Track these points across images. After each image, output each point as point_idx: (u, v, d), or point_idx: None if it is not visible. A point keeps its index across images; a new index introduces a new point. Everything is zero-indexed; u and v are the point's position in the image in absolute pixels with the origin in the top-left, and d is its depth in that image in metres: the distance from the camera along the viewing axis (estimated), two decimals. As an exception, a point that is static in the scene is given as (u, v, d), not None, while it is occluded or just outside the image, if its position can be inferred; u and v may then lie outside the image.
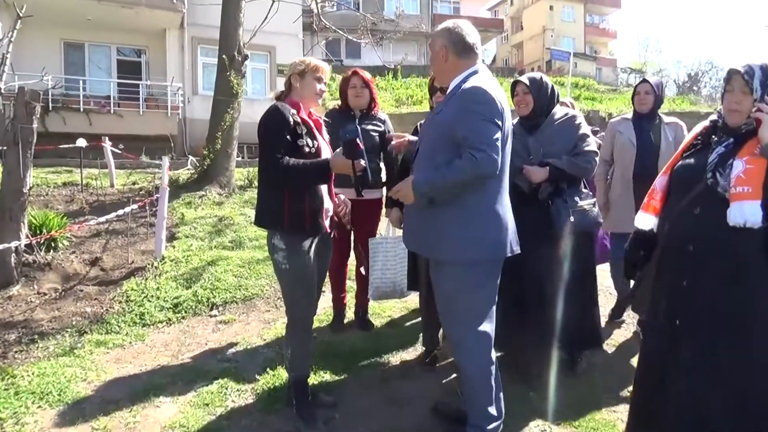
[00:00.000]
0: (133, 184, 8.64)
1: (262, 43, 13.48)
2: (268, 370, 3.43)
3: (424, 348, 3.64)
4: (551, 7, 42.33)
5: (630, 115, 4.15)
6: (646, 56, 47.17)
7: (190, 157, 13.35)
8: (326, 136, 2.98)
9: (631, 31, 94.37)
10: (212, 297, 4.81)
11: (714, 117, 2.35)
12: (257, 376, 3.36)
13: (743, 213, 2.00)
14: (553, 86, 3.31)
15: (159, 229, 5.57)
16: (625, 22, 73.16)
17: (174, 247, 5.92)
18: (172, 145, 13.88)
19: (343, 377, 3.40)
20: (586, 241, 3.38)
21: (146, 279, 5.06)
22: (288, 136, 2.68)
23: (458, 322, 2.51)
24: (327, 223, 2.86)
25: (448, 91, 2.58)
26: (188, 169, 11.71)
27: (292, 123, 2.69)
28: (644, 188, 3.85)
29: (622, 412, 2.95)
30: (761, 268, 2.04)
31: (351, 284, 4.48)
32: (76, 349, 3.79)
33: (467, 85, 2.44)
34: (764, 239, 2.02)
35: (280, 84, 11.58)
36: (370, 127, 3.86)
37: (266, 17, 8.73)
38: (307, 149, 2.74)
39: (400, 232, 3.90)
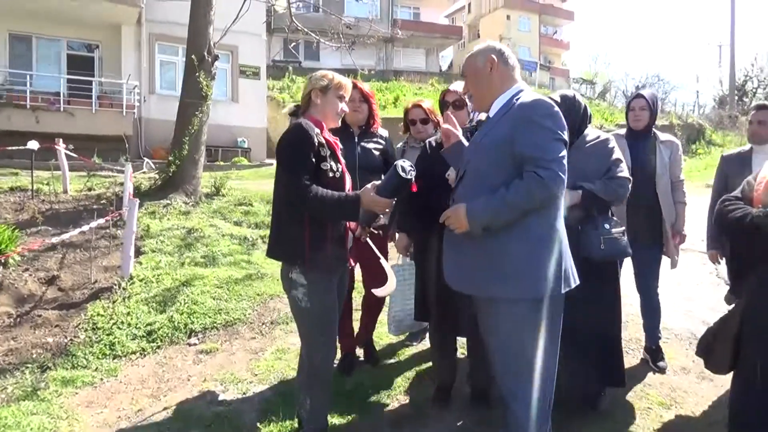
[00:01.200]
0: (89, 189, 7.99)
1: (223, 42, 12.92)
2: (268, 415, 3.05)
3: (436, 384, 3.34)
4: (508, 17, 42.91)
5: (623, 132, 3.90)
6: (596, 68, 48.49)
7: (146, 160, 12.65)
8: (343, 160, 2.66)
9: (583, 43, 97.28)
10: (190, 323, 4.37)
11: None
12: (258, 424, 2.97)
13: None
14: (586, 106, 3.08)
15: (127, 245, 5.06)
16: (578, 34, 75.19)
17: (141, 263, 5.41)
18: (127, 146, 13.12)
19: (351, 418, 3.06)
20: (614, 271, 3.17)
21: (114, 302, 4.57)
22: (313, 159, 2.35)
23: (519, 371, 2.21)
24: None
25: (494, 110, 2.32)
26: (143, 172, 11.06)
27: (316, 144, 2.37)
28: (637, 215, 3.59)
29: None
30: None
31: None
32: (39, 390, 3.31)
33: (525, 99, 2.21)
34: None
35: (244, 85, 11.16)
36: (371, 145, 3.52)
37: (238, 15, 8.26)
38: (331, 174, 2.42)
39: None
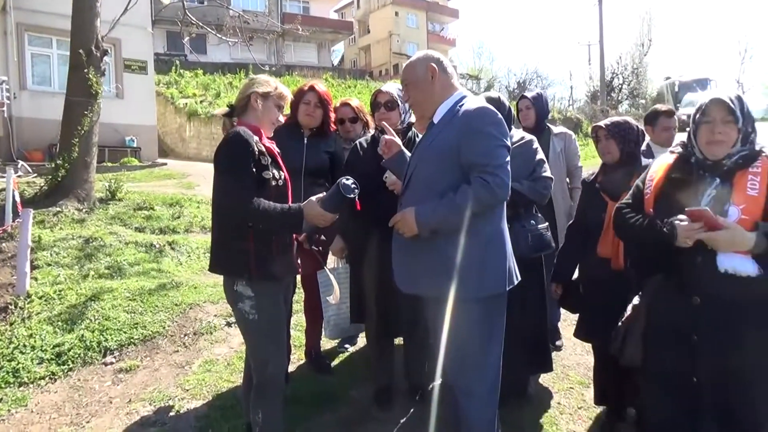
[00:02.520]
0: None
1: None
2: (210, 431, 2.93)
3: (376, 386, 3.37)
4: (396, 13, 43.70)
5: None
6: (480, 63, 50.72)
7: (21, 162, 11.49)
8: (283, 164, 2.60)
9: (468, 40, 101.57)
10: (103, 340, 4.06)
11: (678, 149, 2.26)
12: (201, 442, 2.85)
13: (733, 263, 1.95)
14: (510, 107, 3.24)
15: (21, 260, 4.59)
16: (462, 31, 78.20)
17: (37, 279, 4.94)
18: (-3, 146, 11.86)
19: (293, 428, 3.00)
20: (539, 264, 3.37)
21: (11, 323, 4.14)
22: (253, 168, 2.28)
23: (472, 368, 2.29)
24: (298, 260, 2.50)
25: (438, 116, 2.38)
26: (19, 176, 10.04)
27: (257, 152, 2.30)
28: None
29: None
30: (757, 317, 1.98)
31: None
32: (-64, 431, 2.94)
33: (469, 106, 2.28)
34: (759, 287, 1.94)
35: (130, 80, 10.41)
36: (321, 147, 3.46)
37: (127, 6, 7.75)
38: (274, 182, 2.37)
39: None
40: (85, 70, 7.10)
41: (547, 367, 3.44)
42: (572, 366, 3.88)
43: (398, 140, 2.60)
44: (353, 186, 2.29)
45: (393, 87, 3.14)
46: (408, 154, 2.53)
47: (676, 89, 25.16)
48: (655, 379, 2.24)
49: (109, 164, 13.05)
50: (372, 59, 45.12)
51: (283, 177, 2.43)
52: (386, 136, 2.59)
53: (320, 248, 2.71)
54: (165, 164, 13.93)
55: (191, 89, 21.32)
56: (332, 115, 3.56)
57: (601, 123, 3.01)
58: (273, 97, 2.45)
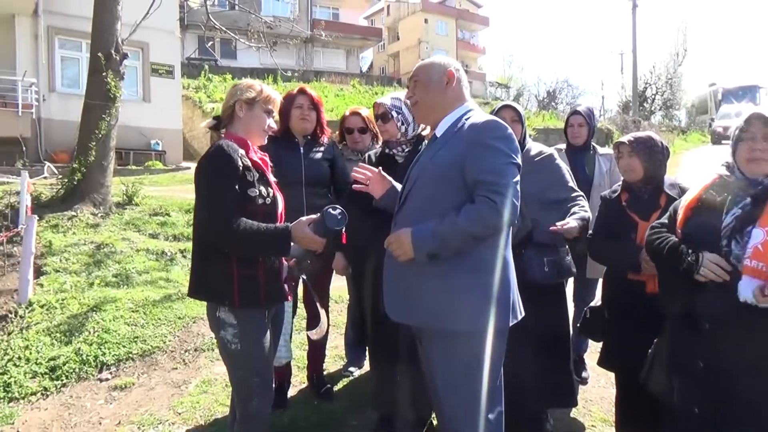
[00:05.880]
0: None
1: (133, 39, 12.10)
2: (196, 463, 2.73)
3: (377, 415, 3.14)
4: (426, 21, 43.57)
5: (563, 146, 3.98)
6: (510, 72, 50.16)
7: (47, 164, 11.61)
8: (272, 178, 2.38)
9: (498, 48, 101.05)
10: (101, 354, 3.91)
11: (723, 170, 2.06)
12: (185, 476, 2.65)
13: (753, 291, 1.75)
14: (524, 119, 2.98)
15: (24, 266, 4.49)
16: (493, 39, 77.62)
17: (42, 286, 4.84)
18: (24, 149, 11.99)
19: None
20: (559, 291, 3.10)
21: (9, 333, 4.02)
22: (237, 186, 2.08)
23: (469, 407, 2.03)
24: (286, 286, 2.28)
25: (442, 129, 2.16)
26: (44, 178, 10.11)
27: (241, 168, 2.09)
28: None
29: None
30: None
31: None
32: None
33: (475, 119, 2.06)
34: None
35: (156, 84, 10.42)
36: (318, 156, 3.25)
37: (149, 10, 7.69)
38: (261, 200, 2.15)
39: None
40: (104, 74, 7.05)
41: (571, 401, 3.17)
42: (595, 400, 3.58)
43: (383, 175, 2.35)
44: (339, 217, 2.06)
45: (388, 98, 2.91)
46: (398, 186, 2.29)
47: (720, 97, 23.83)
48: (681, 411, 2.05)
49: (133, 167, 13.13)
50: (401, 66, 45.03)
51: (271, 194, 2.21)
52: (368, 174, 2.35)
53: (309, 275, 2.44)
54: (189, 168, 13.93)
55: (219, 94, 21.44)
56: (324, 120, 3.34)
57: (624, 139, 2.74)
58: (259, 102, 2.23)
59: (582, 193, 3.01)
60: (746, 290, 1.74)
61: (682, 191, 2.47)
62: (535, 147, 3.06)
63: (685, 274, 1.91)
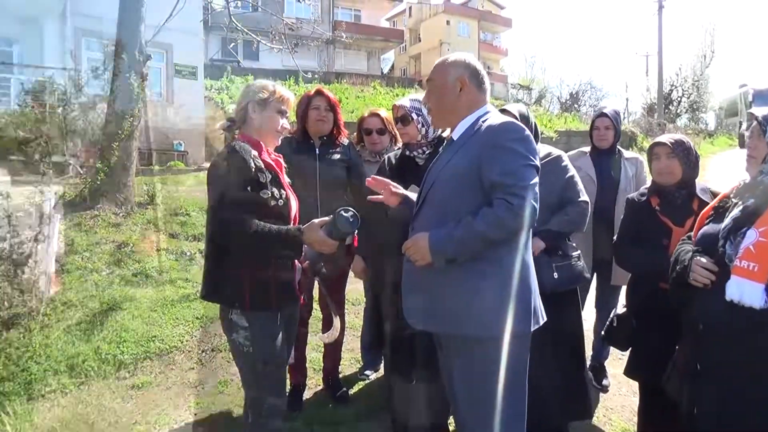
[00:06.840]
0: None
1: (157, 40, 12.27)
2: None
3: (392, 420, 3.09)
4: (448, 22, 43.44)
5: (588, 149, 3.89)
6: (532, 74, 49.77)
7: (72, 164, 11.78)
8: (287, 179, 2.37)
9: (520, 50, 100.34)
10: (119, 353, 3.94)
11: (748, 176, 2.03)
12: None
13: (741, 291, 1.73)
14: (535, 122, 2.90)
15: (48, 264, 4.55)
16: (515, 40, 77.10)
17: (64, 284, 4.90)
18: (50, 148, 12.18)
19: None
20: (572, 298, 3.01)
21: (30, 330, 4.07)
22: (249, 188, 2.07)
23: (487, 418, 1.99)
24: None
25: (458, 132, 2.13)
26: (69, 177, 10.27)
27: (254, 169, 2.08)
28: (603, 227, 3.63)
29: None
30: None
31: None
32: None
33: (492, 121, 2.03)
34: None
35: (179, 85, 10.48)
36: (335, 157, 3.23)
37: (172, 11, 7.78)
38: (273, 202, 2.14)
39: None
40: (127, 75, 7.14)
41: (586, 414, 3.09)
42: (616, 409, 3.50)
43: (395, 186, 2.30)
44: (352, 220, 2.03)
45: (407, 100, 2.87)
46: (412, 196, 2.25)
47: (750, 98, 23.02)
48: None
49: (156, 167, 13.28)
50: (422, 68, 44.94)
51: (284, 196, 2.20)
52: (379, 196, 2.30)
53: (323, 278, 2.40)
54: (210, 168, 14.06)
55: (241, 95, 21.63)
56: (341, 121, 3.32)
57: (665, 140, 2.63)
58: (272, 102, 2.22)
59: (585, 199, 2.93)
60: (732, 290, 1.75)
61: (714, 196, 2.39)
62: (543, 149, 2.99)
63: (680, 278, 1.95)
